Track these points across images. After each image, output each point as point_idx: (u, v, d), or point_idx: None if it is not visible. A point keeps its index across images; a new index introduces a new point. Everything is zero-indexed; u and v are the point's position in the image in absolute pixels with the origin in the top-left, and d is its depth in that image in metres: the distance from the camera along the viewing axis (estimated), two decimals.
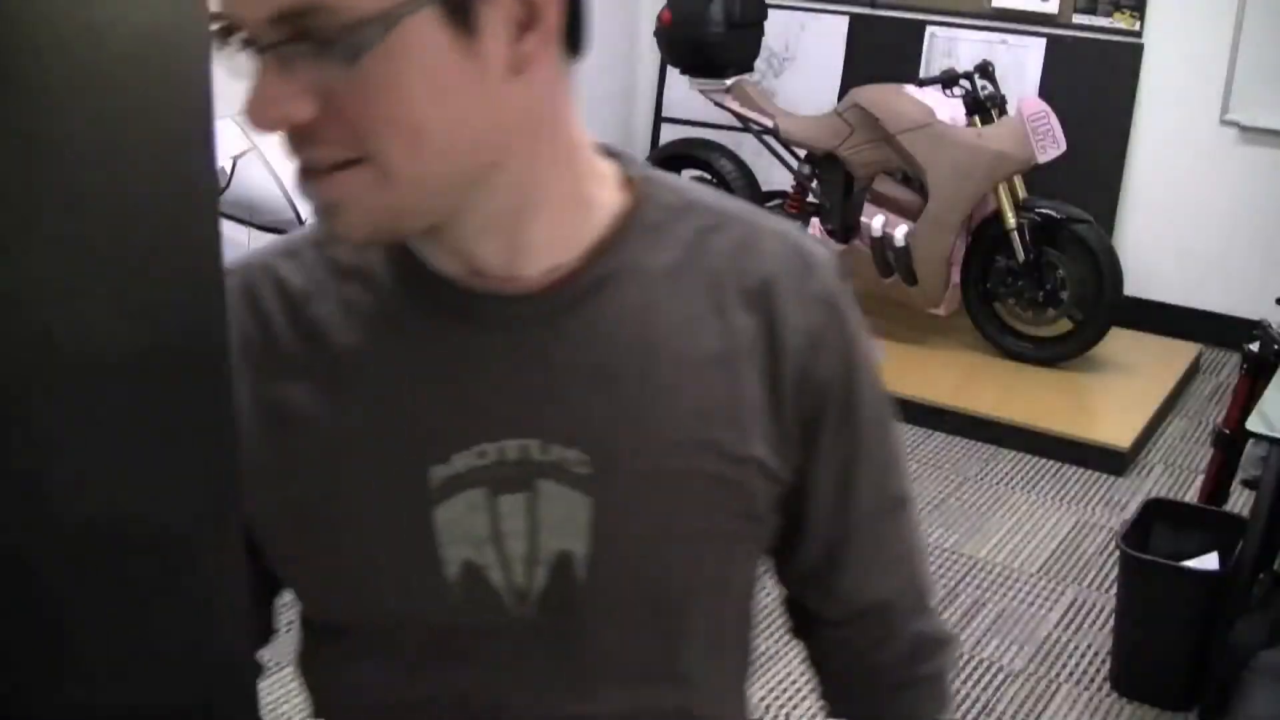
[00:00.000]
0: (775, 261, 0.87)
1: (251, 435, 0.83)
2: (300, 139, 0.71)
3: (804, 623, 1.04)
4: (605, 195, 0.86)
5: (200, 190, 0.43)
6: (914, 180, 4.65)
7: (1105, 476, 4.04)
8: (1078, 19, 5.02)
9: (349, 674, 0.91)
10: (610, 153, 0.88)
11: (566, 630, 0.86)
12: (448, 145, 0.73)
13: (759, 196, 5.20)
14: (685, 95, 5.36)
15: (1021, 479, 4.05)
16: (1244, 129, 4.79)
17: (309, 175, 0.73)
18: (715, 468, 0.85)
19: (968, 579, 3.50)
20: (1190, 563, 2.92)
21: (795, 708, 2.95)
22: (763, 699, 2.96)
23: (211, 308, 0.44)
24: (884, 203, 4.70)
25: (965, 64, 4.69)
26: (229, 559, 0.45)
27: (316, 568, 0.87)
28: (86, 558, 0.41)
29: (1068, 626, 3.27)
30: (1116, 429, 4.18)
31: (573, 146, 0.83)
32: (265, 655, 0.94)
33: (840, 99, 5.02)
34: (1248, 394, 3.07)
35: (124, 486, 0.42)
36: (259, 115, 0.68)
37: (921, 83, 4.62)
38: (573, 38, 0.78)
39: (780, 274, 0.87)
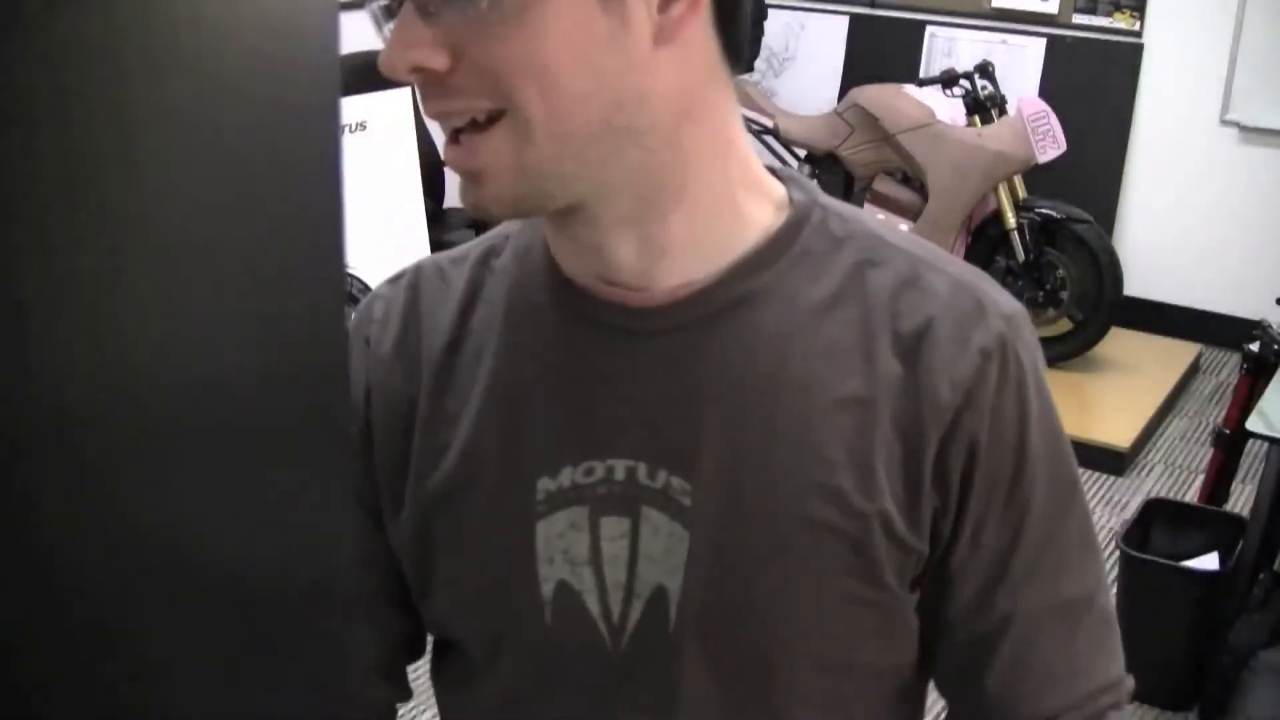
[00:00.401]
0: (938, 304, 0.78)
1: (395, 433, 0.83)
2: (436, 91, 0.70)
3: None
4: (759, 210, 0.80)
5: (328, 211, 0.41)
6: (914, 180, 4.65)
7: (1105, 476, 4.04)
8: (1078, 19, 5.02)
9: (459, 693, 0.89)
10: (783, 176, 0.83)
11: (659, 674, 0.80)
12: (584, 97, 0.70)
13: None
14: None
15: None
16: (1244, 129, 4.79)
17: (453, 142, 0.72)
18: (831, 519, 0.77)
19: None
20: (1190, 563, 2.92)
21: None
22: None
23: (334, 333, 0.41)
24: (884, 203, 4.70)
25: (965, 64, 4.69)
26: (339, 619, 0.43)
27: (432, 574, 0.85)
28: (198, 606, 0.39)
29: None
30: (1116, 429, 4.18)
31: (726, 147, 0.78)
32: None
33: (840, 99, 5.02)
34: (1248, 394, 3.07)
35: (242, 531, 0.40)
36: (394, 61, 0.68)
37: (921, 83, 4.62)
38: (729, 32, 0.75)
39: (941, 318, 0.78)
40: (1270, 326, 3.12)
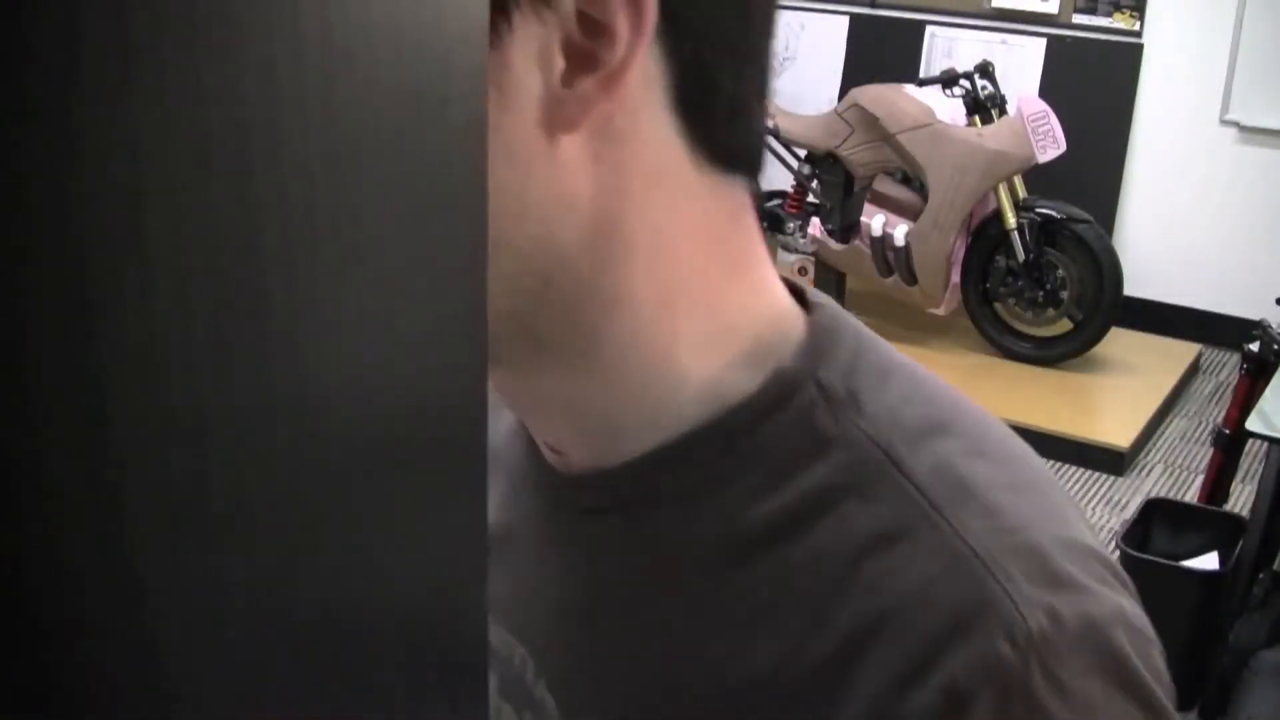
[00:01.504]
0: (911, 585, 0.50)
1: None
2: None
3: None
4: (719, 374, 0.54)
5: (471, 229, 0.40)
6: (914, 180, 4.66)
7: (1105, 476, 4.04)
8: (1078, 19, 5.02)
9: None
10: (813, 307, 0.57)
11: None
12: None
13: (759, 196, 5.19)
14: None
15: None
16: (1244, 129, 4.79)
17: None
18: None
19: None
20: (1190, 563, 2.92)
21: None
22: None
23: (473, 385, 0.40)
24: (884, 203, 4.70)
25: (965, 64, 4.70)
26: (475, 671, 0.43)
27: None
28: (315, 656, 0.39)
29: None
30: (1116, 429, 4.18)
31: (675, 285, 0.53)
32: None
33: (840, 99, 5.03)
34: (1248, 394, 3.07)
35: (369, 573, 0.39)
36: None
37: (921, 83, 4.62)
38: (700, 123, 0.51)
39: (905, 612, 0.49)
40: (1270, 326, 3.13)
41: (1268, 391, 2.85)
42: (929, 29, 5.29)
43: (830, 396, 0.54)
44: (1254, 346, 3.11)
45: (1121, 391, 4.52)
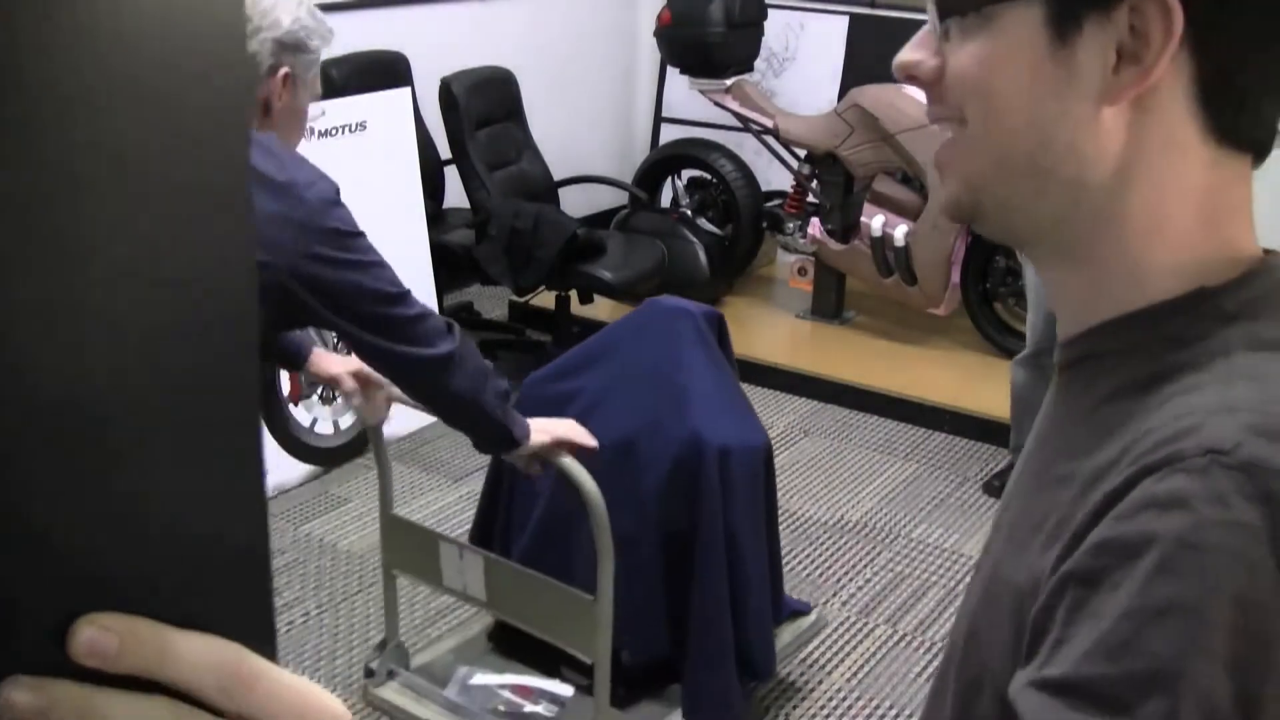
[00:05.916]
0: (1178, 415, 0.68)
1: None
2: (929, 96, 0.79)
3: None
4: (1166, 287, 0.74)
5: (234, 209, 0.42)
6: (914, 180, 4.66)
7: None
8: None
9: None
10: (1267, 262, 0.75)
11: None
12: (1017, 130, 0.74)
13: (759, 196, 5.20)
14: (685, 95, 5.37)
15: None
16: None
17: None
18: (1008, 611, 0.74)
19: (968, 579, 3.50)
20: None
21: (795, 708, 2.95)
22: (763, 699, 2.96)
23: (245, 336, 0.42)
24: (884, 203, 4.71)
25: None
26: (257, 592, 0.44)
27: None
28: (118, 582, 0.41)
29: None
30: None
31: (1157, 225, 0.73)
32: None
33: (840, 99, 5.03)
34: None
35: (157, 512, 0.41)
36: (897, 59, 0.79)
37: None
38: (1216, 110, 0.70)
39: (1165, 428, 0.67)
40: None
41: None
42: None
43: (1219, 312, 0.73)
44: None
45: None
